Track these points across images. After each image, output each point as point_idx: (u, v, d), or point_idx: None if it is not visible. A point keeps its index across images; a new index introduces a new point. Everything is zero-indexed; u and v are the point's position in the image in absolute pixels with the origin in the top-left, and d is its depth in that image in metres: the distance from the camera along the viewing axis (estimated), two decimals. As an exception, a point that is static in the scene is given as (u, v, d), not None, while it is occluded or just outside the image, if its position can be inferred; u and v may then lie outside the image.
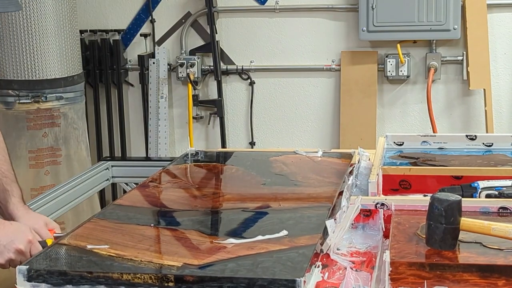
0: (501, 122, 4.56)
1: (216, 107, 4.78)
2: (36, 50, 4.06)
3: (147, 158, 4.65)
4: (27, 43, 4.03)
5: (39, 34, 4.05)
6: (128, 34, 4.89)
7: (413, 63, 4.61)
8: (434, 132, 4.42)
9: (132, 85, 4.95)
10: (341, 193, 2.26)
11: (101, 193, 4.75)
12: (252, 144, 4.85)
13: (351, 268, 1.82)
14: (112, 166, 3.34)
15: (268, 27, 4.77)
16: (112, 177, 3.37)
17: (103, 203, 4.77)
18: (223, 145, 4.80)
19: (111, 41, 4.82)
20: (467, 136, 2.72)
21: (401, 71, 4.57)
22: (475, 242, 1.75)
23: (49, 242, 2.09)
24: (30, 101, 4.07)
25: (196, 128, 4.90)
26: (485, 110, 4.47)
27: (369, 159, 2.56)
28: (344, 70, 4.68)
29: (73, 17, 4.23)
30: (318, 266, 1.82)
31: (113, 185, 4.72)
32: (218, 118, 4.80)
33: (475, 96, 4.59)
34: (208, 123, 4.91)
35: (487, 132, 4.43)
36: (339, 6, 4.66)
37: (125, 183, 3.45)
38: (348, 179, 2.36)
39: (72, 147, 4.21)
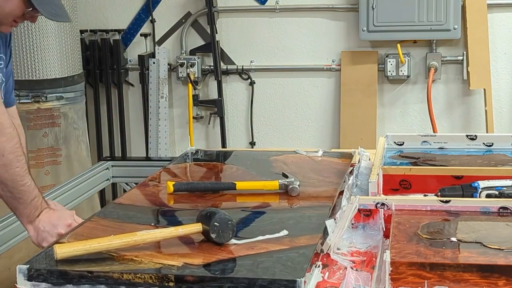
0: (501, 122, 4.56)
1: (216, 107, 4.78)
2: (36, 50, 4.06)
3: (147, 158, 4.66)
4: (27, 43, 4.03)
5: (39, 34, 4.05)
6: (128, 34, 4.89)
7: (413, 63, 4.61)
8: (434, 132, 4.42)
9: (132, 85, 4.95)
10: (341, 192, 2.26)
11: (101, 193, 4.75)
12: (252, 144, 4.85)
13: (352, 268, 1.82)
14: (112, 166, 3.35)
15: (268, 27, 4.77)
16: (112, 177, 3.37)
17: (103, 203, 4.76)
18: (223, 145, 4.80)
19: (111, 41, 4.82)
20: (467, 136, 2.72)
21: (401, 71, 4.57)
22: (476, 242, 1.76)
23: None
24: (30, 101, 4.07)
25: (196, 128, 4.90)
26: (485, 110, 4.47)
27: (370, 159, 2.56)
28: (344, 70, 4.68)
29: (73, 17, 4.23)
30: (319, 266, 1.82)
31: (113, 185, 4.72)
32: (218, 118, 4.81)
33: (475, 96, 4.59)
34: (208, 123, 4.91)
35: (487, 132, 4.42)
36: (339, 6, 4.66)
37: (125, 183, 3.46)
38: (349, 179, 2.36)
39: (72, 147, 4.21)
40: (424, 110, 4.61)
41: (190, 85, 4.76)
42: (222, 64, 4.79)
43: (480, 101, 4.55)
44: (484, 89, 4.48)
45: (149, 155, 4.81)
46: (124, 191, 3.68)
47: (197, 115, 4.87)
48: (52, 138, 4.13)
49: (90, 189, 3.20)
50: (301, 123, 4.82)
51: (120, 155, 4.88)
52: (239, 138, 4.90)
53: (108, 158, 3.72)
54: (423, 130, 4.48)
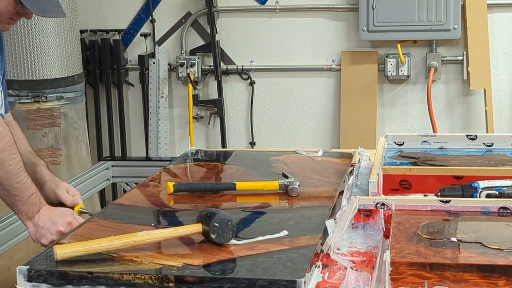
0: (501, 122, 4.56)
1: (216, 107, 4.78)
2: (36, 50, 4.05)
3: (147, 158, 4.66)
4: (27, 43, 4.03)
5: (39, 34, 4.05)
6: (128, 34, 4.89)
7: (413, 63, 4.61)
8: (434, 132, 4.42)
9: (132, 85, 4.95)
10: (341, 193, 2.26)
11: (101, 193, 4.75)
12: (252, 144, 4.85)
13: (351, 268, 1.82)
14: (112, 166, 3.36)
15: (268, 27, 4.77)
16: (112, 177, 3.38)
17: (103, 203, 4.76)
18: (223, 145, 4.80)
19: (111, 41, 4.82)
20: (467, 136, 2.72)
21: (401, 71, 4.57)
22: (476, 242, 1.76)
23: (76, 209, 2.29)
24: (30, 101, 4.07)
25: (196, 128, 4.90)
26: (485, 110, 4.47)
27: (369, 159, 2.56)
28: (344, 70, 4.68)
29: (73, 17, 4.23)
30: (318, 266, 1.82)
31: (113, 185, 4.72)
32: (218, 118, 4.81)
33: (475, 96, 4.59)
34: (208, 123, 4.91)
35: (487, 132, 4.42)
36: (339, 6, 4.66)
37: (125, 183, 3.46)
38: (349, 179, 2.36)
39: (72, 147, 4.21)
40: (424, 110, 4.60)
41: (190, 85, 4.76)
42: (222, 64, 4.79)
43: (480, 101, 4.55)
44: (484, 89, 4.48)
45: (149, 155, 4.81)
46: (124, 191, 3.68)
47: (197, 115, 4.87)
48: (52, 138, 4.13)
49: (90, 189, 3.20)
50: (301, 123, 4.82)
51: (120, 155, 4.87)
52: (239, 138, 4.90)
53: (108, 158, 3.72)
54: (423, 130, 4.48)
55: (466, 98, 4.62)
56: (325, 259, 1.87)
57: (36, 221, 2.17)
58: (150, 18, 4.84)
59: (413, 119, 4.69)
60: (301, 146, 4.44)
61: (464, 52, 4.51)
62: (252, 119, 4.85)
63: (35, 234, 2.18)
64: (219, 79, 4.74)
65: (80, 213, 2.30)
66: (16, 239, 2.63)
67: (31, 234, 2.20)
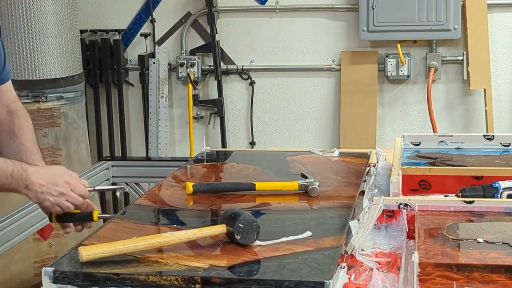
0: (501, 122, 4.57)
1: (216, 107, 4.77)
2: (36, 50, 4.04)
3: (147, 158, 4.65)
4: (27, 43, 4.02)
5: (39, 34, 4.03)
6: (128, 34, 4.87)
7: (413, 63, 4.61)
8: (434, 132, 4.43)
9: (132, 85, 4.93)
10: (360, 193, 2.25)
11: (102, 193, 4.73)
12: (252, 144, 4.84)
13: (377, 269, 1.82)
14: (112, 166, 3.36)
15: (268, 27, 4.76)
16: (112, 177, 3.38)
17: (103, 203, 4.75)
18: (223, 145, 4.79)
19: (111, 41, 4.80)
20: (484, 136, 2.73)
21: (401, 71, 4.57)
22: (503, 243, 1.75)
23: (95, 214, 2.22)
24: (30, 101, 4.05)
25: (196, 128, 4.88)
26: (485, 110, 4.47)
27: (385, 159, 2.56)
28: (344, 70, 4.68)
29: (73, 17, 4.21)
30: (344, 267, 1.81)
31: (113, 185, 4.69)
32: (218, 118, 4.79)
33: (475, 96, 4.60)
34: (208, 123, 4.90)
35: (487, 132, 4.43)
36: (339, 6, 4.65)
37: (125, 183, 3.45)
38: (369, 180, 2.35)
39: (72, 147, 4.20)
40: (424, 110, 4.61)
41: (190, 85, 4.75)
42: (222, 64, 4.77)
43: (480, 101, 4.55)
44: (484, 89, 4.49)
45: (149, 155, 4.79)
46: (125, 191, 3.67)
47: (197, 115, 4.86)
48: (52, 138, 4.11)
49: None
50: (301, 123, 4.81)
51: (120, 155, 4.85)
52: (239, 138, 4.88)
53: (108, 158, 3.72)
54: (423, 130, 4.49)
55: (466, 98, 4.63)
56: (349, 260, 1.87)
57: (31, 187, 2.13)
58: (150, 18, 4.82)
59: (413, 119, 4.69)
60: (301, 146, 4.44)
61: (464, 52, 4.52)
62: (252, 119, 4.84)
63: (36, 199, 2.15)
64: (219, 79, 4.72)
65: (99, 218, 2.25)
66: (16, 239, 2.62)
67: (33, 199, 2.17)
